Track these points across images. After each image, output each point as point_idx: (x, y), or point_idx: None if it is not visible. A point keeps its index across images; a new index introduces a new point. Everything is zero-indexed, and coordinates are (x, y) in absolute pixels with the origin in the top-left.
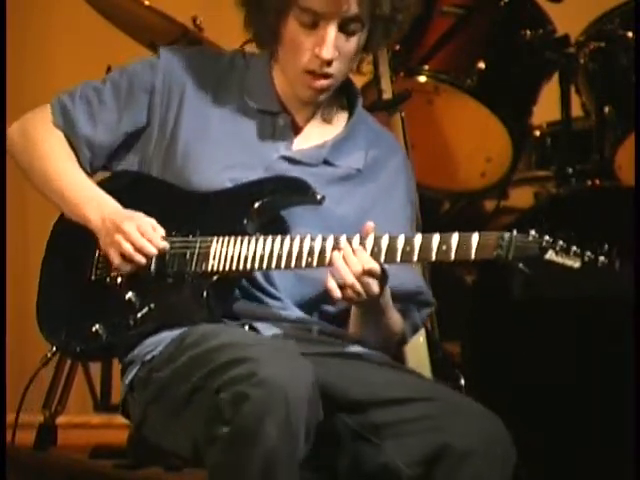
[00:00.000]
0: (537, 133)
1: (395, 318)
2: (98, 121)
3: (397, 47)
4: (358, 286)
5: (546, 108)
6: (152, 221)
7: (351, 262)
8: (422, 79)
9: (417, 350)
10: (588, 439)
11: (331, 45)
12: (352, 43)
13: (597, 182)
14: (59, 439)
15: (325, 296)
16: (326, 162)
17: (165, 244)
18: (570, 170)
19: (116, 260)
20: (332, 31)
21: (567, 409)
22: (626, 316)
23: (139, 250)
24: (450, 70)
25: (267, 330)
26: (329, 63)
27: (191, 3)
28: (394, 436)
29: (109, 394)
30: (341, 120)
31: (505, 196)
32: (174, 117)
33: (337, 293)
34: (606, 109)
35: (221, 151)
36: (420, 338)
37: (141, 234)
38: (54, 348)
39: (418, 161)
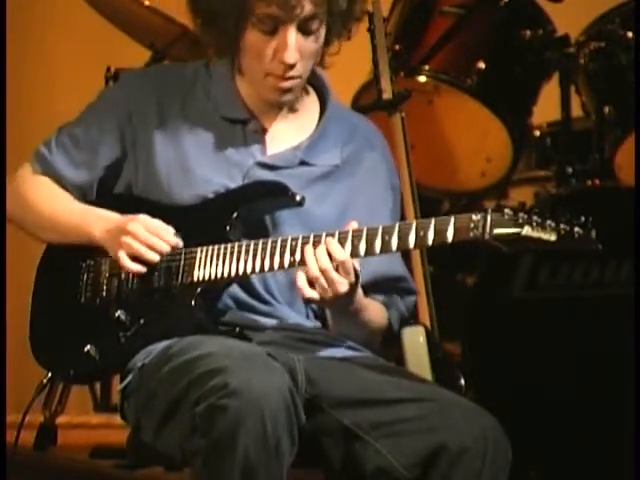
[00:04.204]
0: (537, 133)
1: (373, 317)
2: (77, 164)
3: (397, 47)
4: (322, 280)
5: (546, 108)
6: (159, 221)
7: (320, 256)
8: (422, 79)
9: (417, 350)
10: (588, 439)
11: (293, 49)
12: (313, 42)
13: (597, 182)
14: (59, 439)
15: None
16: (303, 162)
17: (177, 240)
18: (570, 170)
19: (126, 262)
20: (292, 35)
21: (567, 409)
22: (626, 316)
23: (151, 247)
24: (450, 70)
25: (258, 337)
26: (293, 66)
27: None
28: (388, 436)
29: (109, 394)
30: (313, 117)
31: (505, 196)
32: (149, 140)
33: (305, 292)
34: (606, 109)
35: (199, 165)
36: (420, 338)
37: (151, 233)
38: (49, 374)
39: (418, 161)
